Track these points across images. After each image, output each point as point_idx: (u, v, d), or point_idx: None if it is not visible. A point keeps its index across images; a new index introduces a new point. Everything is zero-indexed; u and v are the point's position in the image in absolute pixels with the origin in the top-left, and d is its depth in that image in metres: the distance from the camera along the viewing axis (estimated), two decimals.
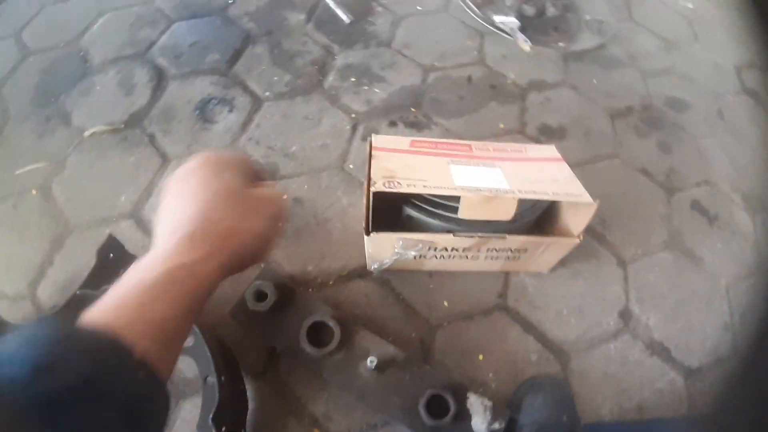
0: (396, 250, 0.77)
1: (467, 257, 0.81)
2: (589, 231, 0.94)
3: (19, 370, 0.25)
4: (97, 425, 0.27)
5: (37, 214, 0.94)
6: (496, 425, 0.70)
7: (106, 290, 0.56)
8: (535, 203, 0.79)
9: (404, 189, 0.71)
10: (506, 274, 0.88)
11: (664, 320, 0.87)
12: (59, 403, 0.25)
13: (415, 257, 0.79)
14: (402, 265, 0.84)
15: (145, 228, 0.91)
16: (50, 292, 0.85)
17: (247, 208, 0.43)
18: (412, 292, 0.85)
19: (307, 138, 1.03)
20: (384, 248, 0.78)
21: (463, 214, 0.73)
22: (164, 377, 0.32)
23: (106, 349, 0.30)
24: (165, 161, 0.99)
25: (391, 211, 0.83)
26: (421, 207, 0.77)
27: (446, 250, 0.79)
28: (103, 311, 0.33)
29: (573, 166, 0.82)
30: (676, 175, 1.05)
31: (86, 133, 1.03)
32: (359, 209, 0.93)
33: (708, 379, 0.83)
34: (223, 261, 0.40)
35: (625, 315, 0.87)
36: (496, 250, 0.80)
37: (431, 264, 0.84)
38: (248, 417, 0.71)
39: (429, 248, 0.78)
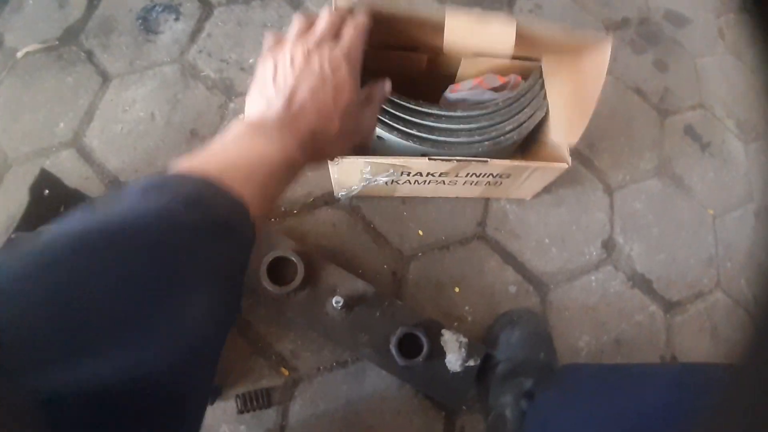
0: (364, 176, 0.70)
1: (444, 182, 0.74)
2: (576, 155, 0.87)
3: (173, 201, 0.31)
4: (228, 257, 0.34)
5: None
6: (471, 362, 0.67)
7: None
8: (522, 123, 0.71)
9: None
10: (486, 201, 0.81)
11: (648, 251, 0.83)
12: (205, 230, 0.32)
13: (386, 183, 0.72)
14: (372, 191, 0.76)
15: (87, 157, 0.80)
16: None
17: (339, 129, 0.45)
18: (383, 220, 0.78)
19: None
20: (351, 174, 0.70)
21: (447, 44, 0.63)
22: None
23: (237, 203, 0.35)
24: (106, 80, 0.86)
25: None
26: (392, 127, 0.68)
27: (421, 175, 0.72)
28: (225, 172, 0.36)
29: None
30: (670, 97, 0.97)
31: (19, 54, 0.88)
32: None
33: (688, 312, 0.81)
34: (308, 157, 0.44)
35: (608, 245, 0.82)
36: (476, 175, 0.73)
37: (404, 189, 0.77)
38: None
39: (401, 173, 0.70)
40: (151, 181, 0.33)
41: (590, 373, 0.61)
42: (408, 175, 0.71)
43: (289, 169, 0.41)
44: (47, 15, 0.92)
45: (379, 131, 0.69)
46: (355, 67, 0.46)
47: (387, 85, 0.55)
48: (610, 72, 0.96)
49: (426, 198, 0.80)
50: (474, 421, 0.71)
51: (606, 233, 0.83)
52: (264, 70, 0.44)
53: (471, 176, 0.73)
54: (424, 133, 0.69)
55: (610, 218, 0.84)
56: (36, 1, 0.93)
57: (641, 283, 0.81)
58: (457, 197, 0.80)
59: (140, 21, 0.90)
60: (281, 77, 0.43)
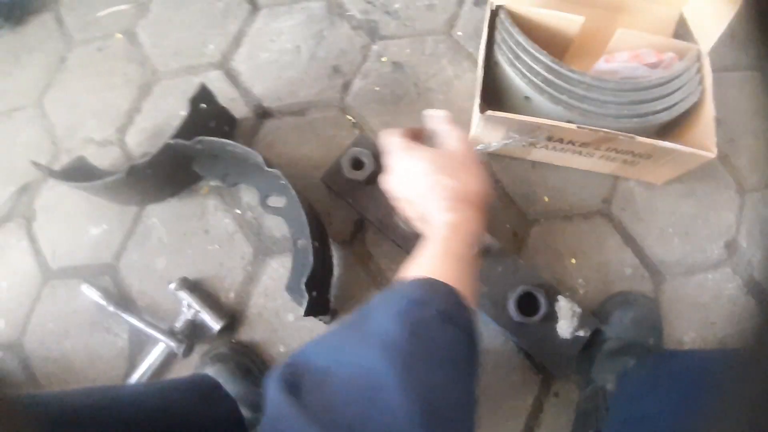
0: (510, 134, 0.70)
1: (581, 153, 0.74)
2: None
3: (406, 301, 0.39)
4: (454, 339, 0.39)
5: (123, 59, 0.88)
6: (581, 332, 0.68)
7: (199, 141, 0.65)
8: (674, 104, 0.69)
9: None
10: (615, 179, 0.80)
11: None
12: (427, 322, 0.38)
13: (524, 144, 0.72)
14: (507, 150, 0.77)
15: (234, 80, 0.84)
16: (139, 139, 0.82)
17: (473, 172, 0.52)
18: (511, 181, 0.79)
19: None
20: (495, 130, 0.71)
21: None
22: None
23: (454, 297, 0.41)
24: (255, 9, 0.89)
25: (503, 90, 0.75)
26: (543, 89, 0.68)
27: (561, 141, 0.71)
28: (441, 271, 0.43)
29: (711, 68, 0.71)
30: None
31: None
32: (465, 83, 0.84)
33: None
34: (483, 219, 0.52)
35: (731, 246, 0.80)
36: (616, 150, 0.72)
37: (539, 154, 0.77)
38: (333, 282, 0.70)
39: (546, 137, 0.70)
40: (391, 297, 0.41)
41: (691, 358, 0.61)
42: (550, 139, 0.71)
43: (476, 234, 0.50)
44: None
45: (529, 91, 0.70)
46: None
47: None
48: (757, 68, 0.92)
49: (556, 166, 0.80)
50: (568, 389, 0.72)
51: (731, 234, 0.80)
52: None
53: (610, 151, 0.72)
54: (575, 100, 0.69)
55: (737, 220, 0.81)
56: None
57: (757, 291, 0.79)
58: (588, 170, 0.80)
59: None
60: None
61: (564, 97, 0.69)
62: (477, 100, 0.69)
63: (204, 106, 0.72)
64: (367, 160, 0.69)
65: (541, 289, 0.67)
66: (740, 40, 0.90)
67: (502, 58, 0.71)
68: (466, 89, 0.83)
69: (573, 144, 0.72)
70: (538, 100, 0.69)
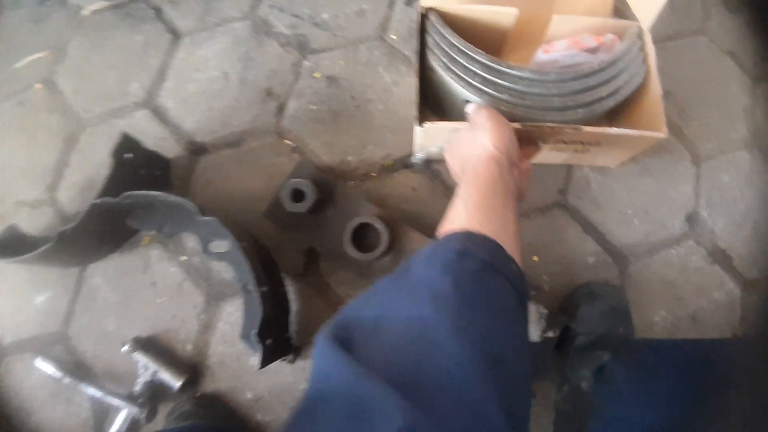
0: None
1: None
2: (666, 122, 0.82)
3: (449, 253, 0.39)
4: (500, 288, 0.39)
5: (44, 110, 0.83)
6: (550, 333, 0.67)
7: (127, 197, 0.62)
8: (618, 88, 0.67)
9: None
10: (568, 168, 0.79)
11: (732, 227, 0.80)
12: (473, 272, 0.38)
13: None
14: None
15: (162, 117, 0.80)
16: (71, 194, 0.78)
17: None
18: None
19: (340, 3, 0.87)
20: (437, 138, 0.68)
21: None
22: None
23: (495, 247, 0.41)
24: (176, 38, 0.84)
25: (443, 95, 0.72)
26: (483, 91, 0.65)
27: None
28: (478, 223, 0.43)
29: (653, 41, 0.69)
30: (765, 62, 0.90)
31: (85, 12, 0.87)
32: (405, 89, 0.81)
33: (765, 290, 0.78)
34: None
35: (692, 218, 0.79)
36: (564, 142, 0.70)
37: None
38: (291, 318, 0.68)
39: None
40: (435, 249, 0.41)
41: (665, 348, 0.61)
42: None
43: (512, 202, 0.51)
44: None
45: (468, 95, 0.67)
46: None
47: None
48: (702, 33, 0.90)
49: None
50: (544, 388, 0.71)
51: (690, 206, 0.80)
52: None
53: (559, 143, 0.70)
54: (516, 98, 0.66)
55: (695, 191, 0.80)
56: None
57: (722, 259, 0.78)
58: (540, 164, 0.78)
59: None
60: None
61: (505, 97, 0.66)
62: (415, 113, 0.66)
63: (130, 155, 0.69)
64: (308, 190, 0.66)
65: None
66: (681, 7, 0.88)
67: (436, 63, 0.68)
68: (406, 95, 0.80)
69: (520, 141, 0.69)
70: (478, 102, 0.67)
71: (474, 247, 0.40)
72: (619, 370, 0.61)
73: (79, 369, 0.70)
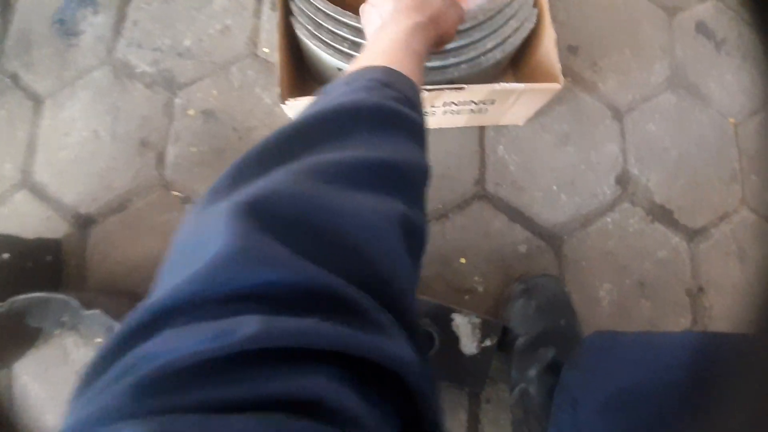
0: None
1: None
2: (578, 80, 0.76)
3: (368, 84, 0.35)
4: (416, 119, 0.36)
5: None
6: (488, 341, 0.63)
7: (12, 302, 0.59)
8: (506, 38, 0.60)
9: None
10: (482, 154, 0.73)
11: (667, 178, 0.75)
12: (403, 101, 0.35)
13: None
14: None
15: (42, 195, 0.73)
16: None
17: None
18: None
19: (201, 24, 0.78)
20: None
21: None
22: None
23: (414, 84, 0.39)
24: (38, 103, 0.76)
25: (315, 68, 0.65)
26: (353, 56, 0.58)
27: None
28: (378, 59, 0.40)
29: None
30: None
31: None
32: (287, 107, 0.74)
33: (713, 237, 0.74)
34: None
35: (622, 179, 0.74)
36: (455, 103, 0.64)
37: None
38: None
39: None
40: (348, 76, 0.37)
41: (614, 346, 0.57)
42: None
43: (424, 38, 0.45)
44: None
45: (339, 62, 0.59)
46: None
47: None
48: None
49: None
50: (499, 390, 0.68)
51: (619, 167, 0.74)
52: (364, 12, 0.50)
53: (449, 105, 0.64)
54: None
55: (622, 148, 0.75)
56: None
57: (661, 215, 0.74)
58: (448, 152, 0.72)
59: (57, 25, 0.78)
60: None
61: None
62: (277, 89, 0.59)
63: (6, 255, 0.63)
64: None
65: (428, 318, 0.62)
66: None
67: (301, 32, 0.60)
68: (292, 113, 0.73)
69: None
70: (344, 67, 0.59)
71: (396, 82, 0.38)
72: (572, 375, 0.57)
73: None
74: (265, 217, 0.22)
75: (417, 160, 0.33)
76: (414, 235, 0.28)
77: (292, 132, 0.29)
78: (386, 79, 0.37)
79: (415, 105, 0.37)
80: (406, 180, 0.31)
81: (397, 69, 0.39)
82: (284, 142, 0.29)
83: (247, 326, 0.18)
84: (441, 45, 0.51)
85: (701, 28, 0.81)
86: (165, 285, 0.21)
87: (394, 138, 0.33)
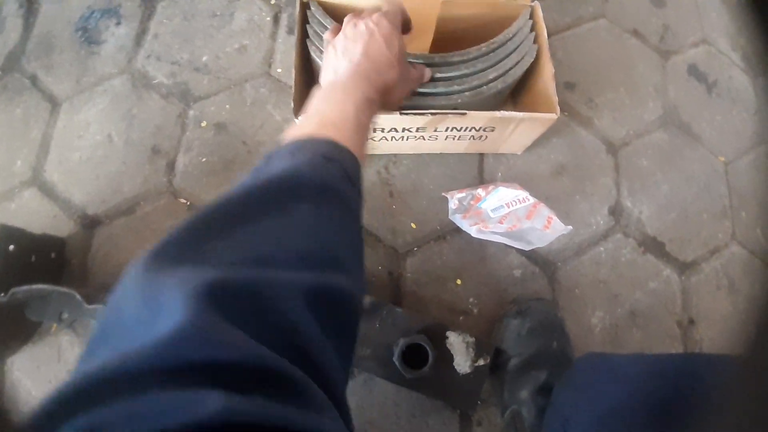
0: None
1: (424, 138, 0.69)
2: (575, 115, 0.80)
3: (312, 158, 0.37)
4: (355, 195, 0.39)
5: None
6: (481, 361, 0.64)
7: (14, 293, 0.59)
8: (507, 69, 0.63)
9: None
10: (481, 180, 0.76)
11: (659, 211, 0.78)
12: (341, 179, 0.37)
13: None
14: None
15: (51, 194, 0.74)
16: None
17: (400, 73, 0.52)
18: (373, 217, 0.73)
19: (219, 42, 0.82)
20: None
21: None
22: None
23: (353, 157, 0.40)
24: (55, 105, 0.79)
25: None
26: None
27: (396, 130, 0.66)
28: (326, 129, 0.42)
29: (552, 34, 0.67)
30: (671, 35, 0.88)
31: None
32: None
33: (704, 271, 0.76)
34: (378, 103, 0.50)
35: (616, 211, 0.77)
36: (456, 129, 0.67)
37: (383, 147, 0.73)
38: None
39: (374, 129, 0.65)
40: (293, 144, 0.39)
41: (606, 366, 0.58)
42: (382, 131, 0.66)
43: (371, 112, 0.47)
44: None
45: None
46: (395, 23, 0.53)
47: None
48: (602, 15, 0.87)
49: (415, 188, 0.74)
50: (490, 414, 0.68)
51: (612, 198, 0.77)
52: (327, 53, 0.53)
53: (452, 131, 0.67)
54: None
55: (615, 181, 0.78)
56: None
57: (653, 246, 0.76)
58: (449, 174, 0.75)
59: (80, 32, 0.82)
60: (340, 48, 0.51)
61: None
62: (291, 104, 0.62)
63: (12, 247, 0.64)
64: None
65: (424, 334, 0.62)
66: None
67: (315, 54, 0.64)
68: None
69: (409, 131, 0.66)
70: None
71: (340, 157, 0.40)
72: (564, 395, 0.58)
73: None
74: (221, 303, 0.24)
75: (350, 236, 0.37)
76: (339, 307, 0.31)
77: (237, 201, 0.32)
78: (330, 153, 0.38)
79: (355, 181, 0.39)
80: (338, 259, 0.33)
81: (343, 143, 0.41)
82: (230, 211, 0.31)
83: (211, 401, 0.20)
84: (384, 112, 0.56)
85: (693, 70, 0.86)
86: (110, 347, 0.24)
87: (330, 214, 0.35)
